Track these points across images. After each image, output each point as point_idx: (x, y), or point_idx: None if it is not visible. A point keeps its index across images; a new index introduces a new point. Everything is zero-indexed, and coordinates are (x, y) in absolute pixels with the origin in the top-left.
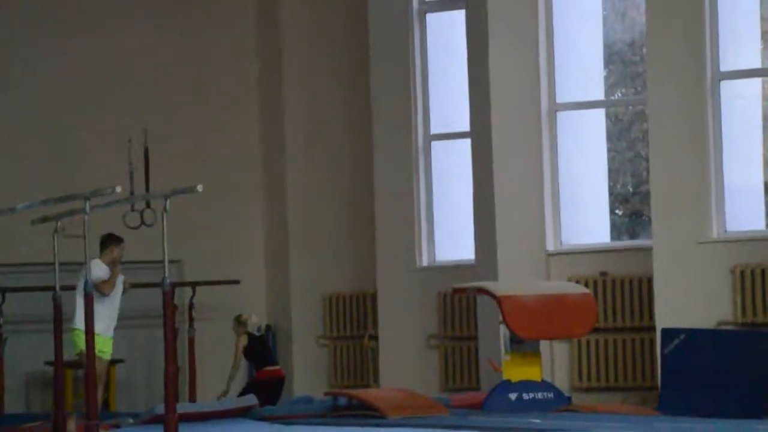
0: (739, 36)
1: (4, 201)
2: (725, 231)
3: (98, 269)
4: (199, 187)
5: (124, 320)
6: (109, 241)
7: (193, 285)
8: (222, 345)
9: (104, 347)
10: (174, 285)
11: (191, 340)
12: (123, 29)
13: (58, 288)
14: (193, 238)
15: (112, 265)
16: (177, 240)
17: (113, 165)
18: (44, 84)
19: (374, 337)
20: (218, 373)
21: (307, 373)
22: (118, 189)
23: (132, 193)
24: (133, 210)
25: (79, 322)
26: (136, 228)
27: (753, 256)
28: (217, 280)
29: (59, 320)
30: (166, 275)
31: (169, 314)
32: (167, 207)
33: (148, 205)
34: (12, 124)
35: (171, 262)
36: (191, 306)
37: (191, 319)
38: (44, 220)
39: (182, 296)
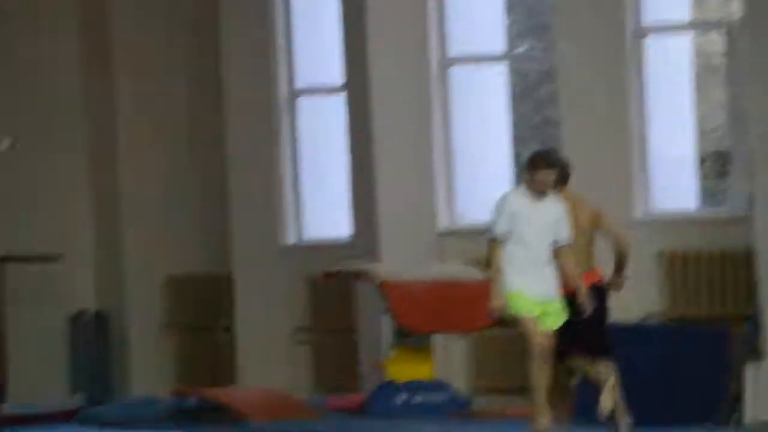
0: None
1: None
2: (651, 211)
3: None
4: (6, 142)
5: None
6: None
7: (3, 260)
8: (37, 331)
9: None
10: None
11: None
12: None
13: None
14: (7, 206)
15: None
16: None
17: None
18: None
19: (229, 329)
20: (34, 362)
21: (148, 368)
22: None
23: None
24: None
25: None
26: None
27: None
28: (34, 255)
29: None
30: None
31: None
32: None
33: None
34: None
35: None
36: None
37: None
38: None
39: None
